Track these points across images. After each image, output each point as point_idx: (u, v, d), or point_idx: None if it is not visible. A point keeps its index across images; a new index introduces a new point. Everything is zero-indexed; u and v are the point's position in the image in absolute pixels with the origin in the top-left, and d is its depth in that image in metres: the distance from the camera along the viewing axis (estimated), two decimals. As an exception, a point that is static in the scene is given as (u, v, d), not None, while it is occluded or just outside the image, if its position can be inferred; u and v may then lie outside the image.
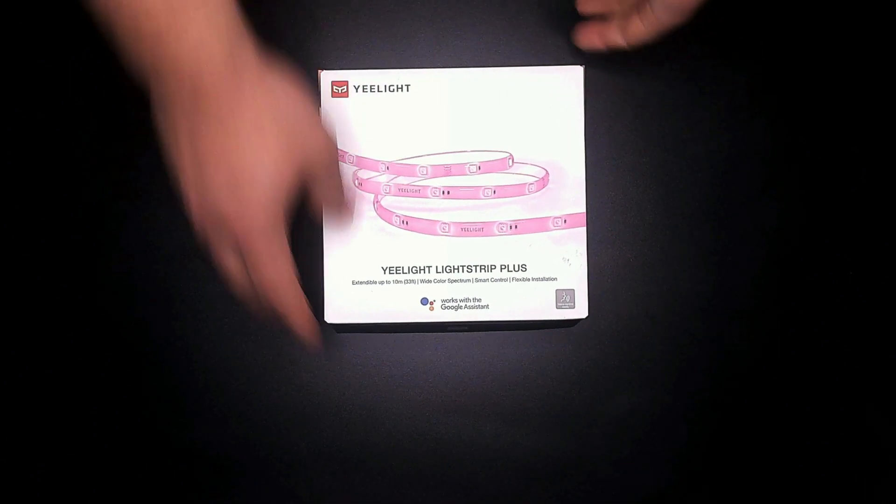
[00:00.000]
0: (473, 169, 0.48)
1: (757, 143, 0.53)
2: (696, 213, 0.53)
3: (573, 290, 0.48)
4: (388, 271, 0.48)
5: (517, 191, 0.48)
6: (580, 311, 0.48)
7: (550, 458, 0.53)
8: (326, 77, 0.49)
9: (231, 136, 0.37)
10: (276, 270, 0.39)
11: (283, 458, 0.53)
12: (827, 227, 0.53)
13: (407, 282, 0.48)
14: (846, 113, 0.53)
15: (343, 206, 0.46)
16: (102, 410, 0.53)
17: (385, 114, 0.48)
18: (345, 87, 0.49)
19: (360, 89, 0.49)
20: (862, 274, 0.53)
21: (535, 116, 0.48)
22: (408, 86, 0.49)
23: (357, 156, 0.48)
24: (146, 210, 0.53)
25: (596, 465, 0.53)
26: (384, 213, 0.48)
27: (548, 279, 0.48)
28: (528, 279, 0.48)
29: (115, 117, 0.53)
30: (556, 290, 0.48)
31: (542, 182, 0.48)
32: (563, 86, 0.49)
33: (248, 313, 0.53)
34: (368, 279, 0.48)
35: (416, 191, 0.48)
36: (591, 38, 0.50)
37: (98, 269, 0.53)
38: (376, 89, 0.49)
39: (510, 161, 0.48)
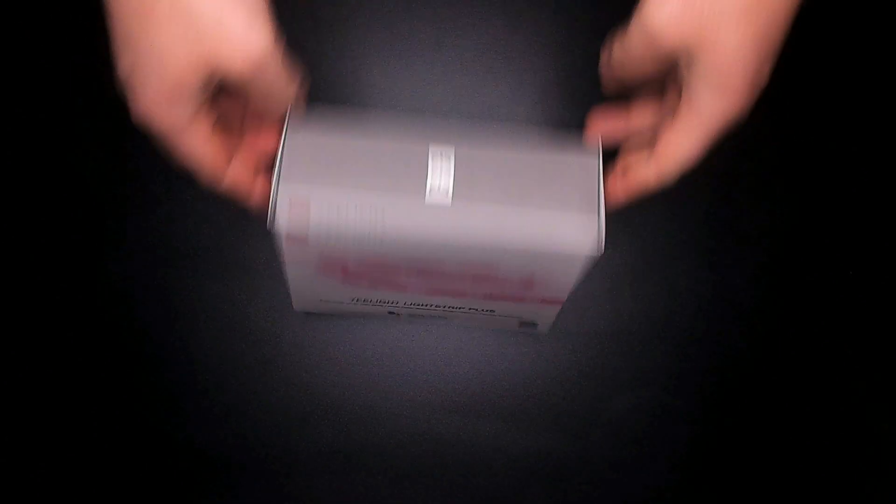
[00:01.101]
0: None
1: (757, 144, 0.53)
2: (696, 213, 0.53)
3: (536, 323, 0.49)
4: (355, 301, 0.48)
5: (498, 292, 0.44)
6: (542, 329, 0.50)
7: (550, 458, 0.53)
8: (284, 192, 0.38)
9: (133, 23, 0.35)
10: (173, 150, 0.39)
11: (283, 458, 0.53)
12: (827, 227, 0.53)
13: (374, 304, 0.48)
14: (846, 113, 0.53)
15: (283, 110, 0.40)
16: (102, 410, 0.53)
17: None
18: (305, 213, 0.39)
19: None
20: (862, 274, 0.53)
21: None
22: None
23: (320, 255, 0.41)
24: (146, 210, 0.53)
25: (596, 465, 0.53)
26: (352, 279, 0.44)
27: (513, 317, 0.49)
28: (495, 315, 0.49)
29: (115, 117, 0.53)
30: (520, 322, 0.50)
31: (527, 282, 0.43)
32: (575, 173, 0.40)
33: (246, 312, 0.53)
34: (335, 300, 0.48)
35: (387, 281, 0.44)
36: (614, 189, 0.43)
37: (97, 270, 0.53)
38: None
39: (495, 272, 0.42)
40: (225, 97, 0.40)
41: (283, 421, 0.53)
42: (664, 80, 0.41)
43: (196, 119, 0.38)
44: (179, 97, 0.36)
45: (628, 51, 0.38)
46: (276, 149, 0.39)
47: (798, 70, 0.53)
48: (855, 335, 0.53)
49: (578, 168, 0.39)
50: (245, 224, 0.53)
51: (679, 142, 0.38)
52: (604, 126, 0.44)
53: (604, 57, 0.41)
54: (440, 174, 0.39)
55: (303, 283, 0.45)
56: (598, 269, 0.52)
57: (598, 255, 0.40)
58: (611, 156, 0.48)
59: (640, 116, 0.43)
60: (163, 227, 0.53)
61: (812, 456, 0.53)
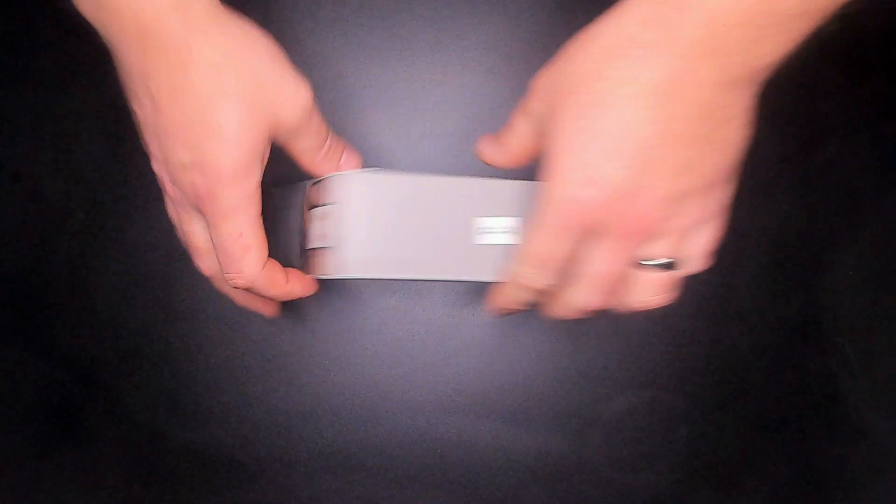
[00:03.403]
0: None
1: (757, 144, 0.53)
2: (696, 213, 0.53)
3: None
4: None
5: None
6: None
7: (550, 458, 0.53)
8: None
9: (184, 73, 0.34)
10: (233, 229, 0.36)
11: (283, 458, 0.53)
12: (827, 227, 0.53)
13: None
14: (844, 113, 0.53)
15: (325, 162, 0.40)
16: (102, 410, 0.53)
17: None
18: None
19: None
20: (861, 275, 0.53)
21: None
22: None
23: None
24: (146, 210, 0.53)
25: (596, 465, 0.53)
26: None
27: None
28: None
29: (115, 117, 0.53)
30: None
31: None
32: None
33: (246, 312, 0.53)
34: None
35: None
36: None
37: (98, 270, 0.53)
38: None
39: None
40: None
41: (283, 421, 0.53)
42: None
43: (256, 193, 0.36)
44: (251, 166, 0.35)
45: (513, 119, 0.37)
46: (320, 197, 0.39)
47: (797, 69, 0.53)
48: (855, 335, 0.53)
49: None
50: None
51: (525, 235, 0.36)
52: None
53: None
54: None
55: None
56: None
57: None
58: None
59: None
60: (163, 227, 0.53)
61: (811, 455, 0.53)
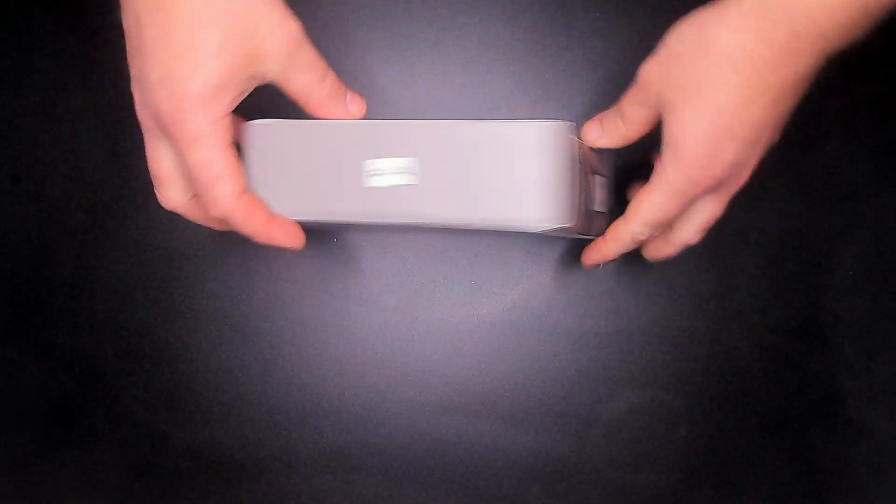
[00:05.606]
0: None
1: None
2: (696, 213, 0.53)
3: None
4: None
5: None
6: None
7: (550, 458, 0.53)
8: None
9: (168, 20, 0.35)
10: (201, 156, 0.36)
11: (283, 458, 0.53)
12: (827, 226, 0.53)
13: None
14: (844, 113, 0.53)
15: (326, 101, 0.40)
16: (103, 410, 0.53)
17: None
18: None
19: None
20: (862, 274, 0.53)
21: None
22: None
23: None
24: (146, 210, 0.53)
25: (596, 464, 0.53)
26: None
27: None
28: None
29: (115, 117, 0.53)
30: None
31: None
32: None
33: (246, 312, 0.53)
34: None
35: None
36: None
37: (98, 270, 0.53)
38: None
39: None
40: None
41: (283, 421, 0.53)
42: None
43: (225, 122, 0.37)
44: (221, 92, 0.36)
45: (626, 107, 0.41)
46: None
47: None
48: (855, 335, 0.53)
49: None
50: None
51: (644, 198, 0.40)
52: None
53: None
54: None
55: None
56: (598, 268, 0.52)
57: (564, 224, 0.39)
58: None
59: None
60: (163, 227, 0.53)
61: (811, 455, 0.53)
